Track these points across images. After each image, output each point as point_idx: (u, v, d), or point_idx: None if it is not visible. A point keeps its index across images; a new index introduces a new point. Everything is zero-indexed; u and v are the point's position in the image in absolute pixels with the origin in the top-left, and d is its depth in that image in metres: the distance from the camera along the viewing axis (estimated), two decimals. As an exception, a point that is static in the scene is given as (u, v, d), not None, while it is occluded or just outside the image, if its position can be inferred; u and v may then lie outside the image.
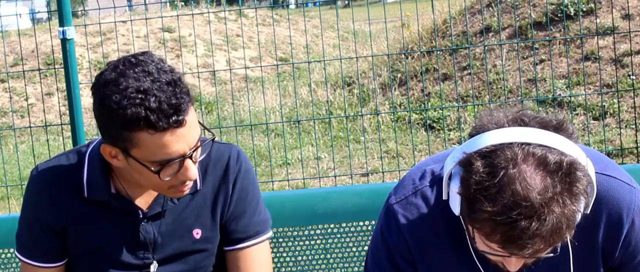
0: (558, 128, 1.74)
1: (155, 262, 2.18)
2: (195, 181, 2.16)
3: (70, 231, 2.17)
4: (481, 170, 1.66)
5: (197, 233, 2.20)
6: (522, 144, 1.67)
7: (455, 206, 1.74)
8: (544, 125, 1.74)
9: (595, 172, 1.80)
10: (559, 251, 1.76)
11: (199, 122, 2.02)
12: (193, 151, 1.99)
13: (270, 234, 2.28)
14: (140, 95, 1.90)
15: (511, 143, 1.67)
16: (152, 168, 1.97)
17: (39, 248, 2.19)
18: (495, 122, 1.76)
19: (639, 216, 1.87)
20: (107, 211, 2.15)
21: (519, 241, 1.64)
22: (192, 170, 2.00)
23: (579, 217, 1.72)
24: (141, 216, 2.16)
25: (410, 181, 1.97)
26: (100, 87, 1.95)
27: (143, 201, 2.16)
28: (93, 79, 2.02)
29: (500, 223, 1.63)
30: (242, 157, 2.22)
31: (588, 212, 1.75)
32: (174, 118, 1.91)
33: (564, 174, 1.65)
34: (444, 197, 1.80)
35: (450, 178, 1.77)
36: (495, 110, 1.81)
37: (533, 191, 1.62)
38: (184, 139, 1.95)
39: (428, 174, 1.96)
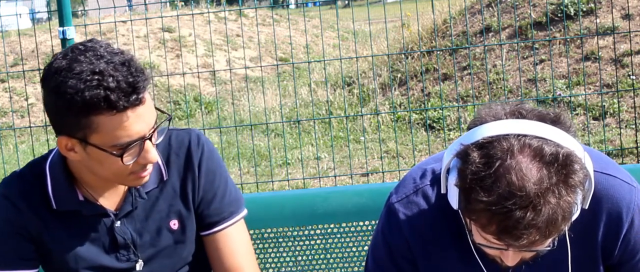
0: (555, 121, 1.75)
1: (140, 261, 2.16)
2: (160, 172, 2.14)
3: (46, 241, 2.12)
4: (477, 160, 1.67)
5: (174, 224, 2.17)
6: (518, 135, 1.68)
7: (453, 199, 1.75)
8: (542, 118, 1.75)
9: (595, 171, 1.81)
10: (556, 245, 1.77)
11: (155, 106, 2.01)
12: (152, 132, 1.97)
13: (244, 212, 2.25)
14: (97, 77, 1.87)
15: (508, 134, 1.68)
16: (114, 152, 1.94)
17: (13, 254, 2.11)
18: (493, 115, 1.77)
19: (638, 215, 1.88)
20: (79, 219, 2.11)
21: (515, 231, 1.64)
22: (152, 152, 1.98)
23: (576, 210, 1.72)
24: (113, 218, 2.12)
25: (411, 180, 1.98)
26: (52, 75, 1.91)
27: (112, 203, 2.13)
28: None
29: (495, 213, 1.64)
30: (202, 140, 2.19)
31: (586, 207, 1.75)
32: (133, 96, 1.89)
33: (560, 165, 1.65)
34: (443, 190, 1.80)
35: (448, 172, 1.77)
36: (493, 104, 1.82)
37: (529, 181, 1.63)
38: (143, 118, 1.93)
39: (429, 173, 1.96)
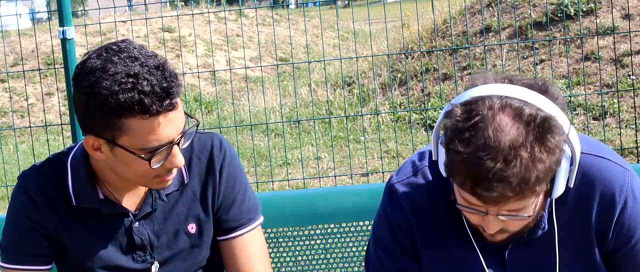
0: (544, 91, 1.80)
1: (156, 263, 2.15)
2: (181, 175, 2.14)
3: (63, 237, 2.11)
4: (459, 114, 1.73)
5: (192, 228, 2.17)
6: (501, 96, 1.74)
7: (442, 164, 1.81)
8: (530, 86, 1.80)
9: (589, 154, 1.88)
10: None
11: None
12: (180, 137, 1.97)
13: (261, 219, 2.25)
14: (131, 80, 1.86)
15: (492, 95, 1.75)
16: (142, 156, 1.94)
17: (27, 249, 2.11)
18: (484, 81, 1.83)
19: (631, 198, 1.90)
20: (98, 217, 2.11)
21: (485, 182, 1.69)
22: (179, 157, 1.98)
23: (561, 184, 1.76)
24: (132, 218, 2.12)
25: (411, 163, 2.04)
26: (86, 75, 1.89)
27: (131, 203, 2.13)
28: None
29: (469, 164, 1.69)
30: (225, 145, 2.18)
31: (571, 185, 1.80)
32: (167, 101, 1.90)
33: (538, 125, 1.70)
34: (434, 157, 1.87)
35: (439, 139, 1.83)
36: (487, 72, 1.88)
37: (505, 136, 1.68)
38: (174, 123, 1.94)
39: (427, 155, 2.02)
